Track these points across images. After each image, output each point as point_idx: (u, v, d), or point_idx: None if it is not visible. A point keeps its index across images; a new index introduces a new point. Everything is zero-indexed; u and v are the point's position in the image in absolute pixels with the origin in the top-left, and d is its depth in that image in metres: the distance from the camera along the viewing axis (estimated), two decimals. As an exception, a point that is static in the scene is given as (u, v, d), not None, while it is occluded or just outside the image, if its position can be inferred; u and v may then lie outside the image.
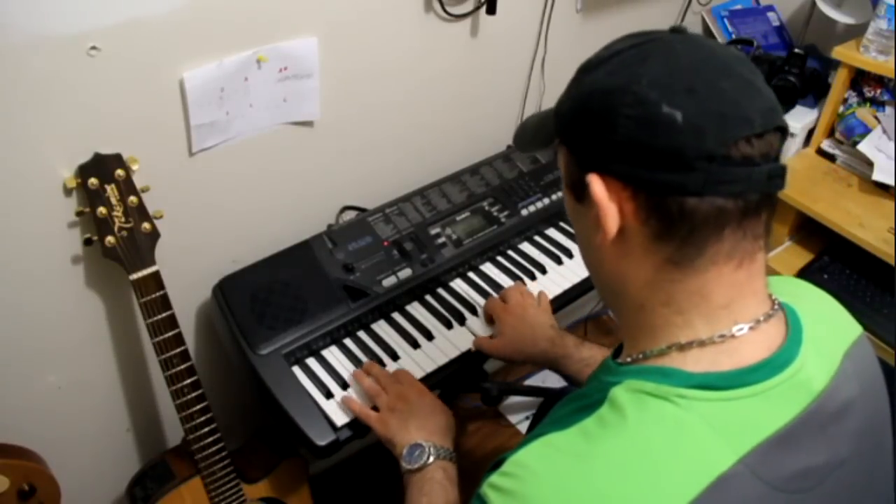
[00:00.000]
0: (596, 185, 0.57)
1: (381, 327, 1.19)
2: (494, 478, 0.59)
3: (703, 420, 0.55)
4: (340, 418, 1.03)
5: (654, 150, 0.54)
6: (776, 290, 0.63)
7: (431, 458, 0.90)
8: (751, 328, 0.59)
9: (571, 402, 0.66)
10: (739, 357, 0.58)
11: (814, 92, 1.70)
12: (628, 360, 0.63)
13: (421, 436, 0.93)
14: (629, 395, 0.58)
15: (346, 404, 1.04)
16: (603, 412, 0.58)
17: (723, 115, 0.53)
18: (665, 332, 0.61)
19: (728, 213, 0.55)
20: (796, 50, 1.61)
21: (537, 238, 1.37)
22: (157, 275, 1.00)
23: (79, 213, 0.97)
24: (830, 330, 0.66)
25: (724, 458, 0.54)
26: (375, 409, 1.02)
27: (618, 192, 0.57)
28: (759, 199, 0.56)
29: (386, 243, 1.24)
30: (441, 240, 1.28)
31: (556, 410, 0.68)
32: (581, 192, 0.61)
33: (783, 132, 0.57)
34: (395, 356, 1.13)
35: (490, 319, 1.19)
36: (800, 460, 0.57)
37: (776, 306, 0.62)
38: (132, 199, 0.97)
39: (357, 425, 1.03)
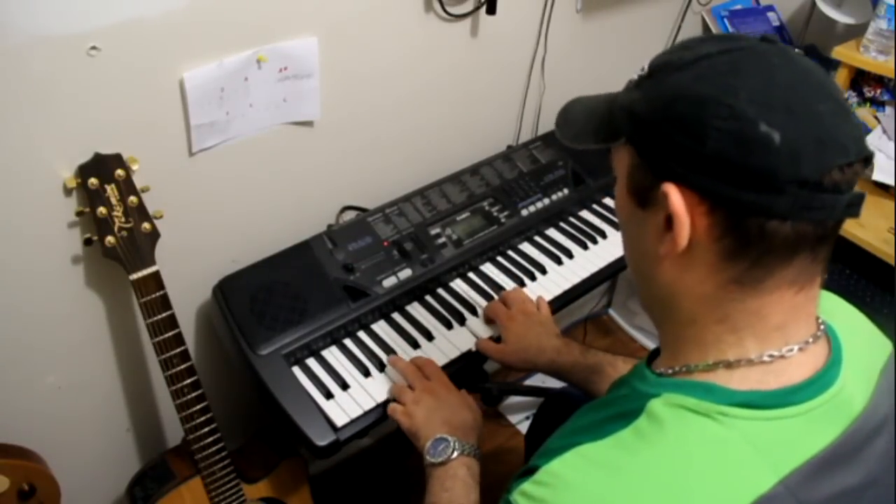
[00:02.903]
0: (674, 196, 0.55)
1: (381, 327, 1.19)
2: (527, 486, 0.58)
3: (746, 439, 0.54)
4: (341, 418, 1.03)
5: (745, 169, 0.52)
6: None
7: (455, 454, 0.89)
8: (800, 349, 0.58)
9: (603, 407, 0.65)
10: (787, 377, 0.57)
11: (814, 92, 1.69)
12: (669, 371, 0.62)
13: (446, 430, 0.92)
14: (669, 409, 0.57)
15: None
16: (640, 424, 0.57)
17: (820, 140, 0.52)
18: (714, 349, 0.59)
19: (806, 238, 0.54)
20: (796, 50, 1.61)
21: (537, 238, 1.37)
22: (157, 275, 1.00)
23: (79, 213, 0.97)
24: (866, 348, 0.66)
25: (765, 480, 0.53)
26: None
27: (693, 205, 0.55)
28: (833, 225, 0.55)
29: (386, 243, 1.24)
30: (441, 240, 1.28)
31: (584, 415, 0.67)
32: (646, 198, 0.58)
33: (869, 161, 0.55)
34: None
35: (489, 321, 1.18)
36: (838, 482, 0.56)
37: (822, 327, 0.61)
38: (132, 199, 0.97)
39: (358, 425, 1.03)
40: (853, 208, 0.54)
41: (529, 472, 0.60)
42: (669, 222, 0.56)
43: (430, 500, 0.87)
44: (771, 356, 0.57)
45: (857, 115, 0.54)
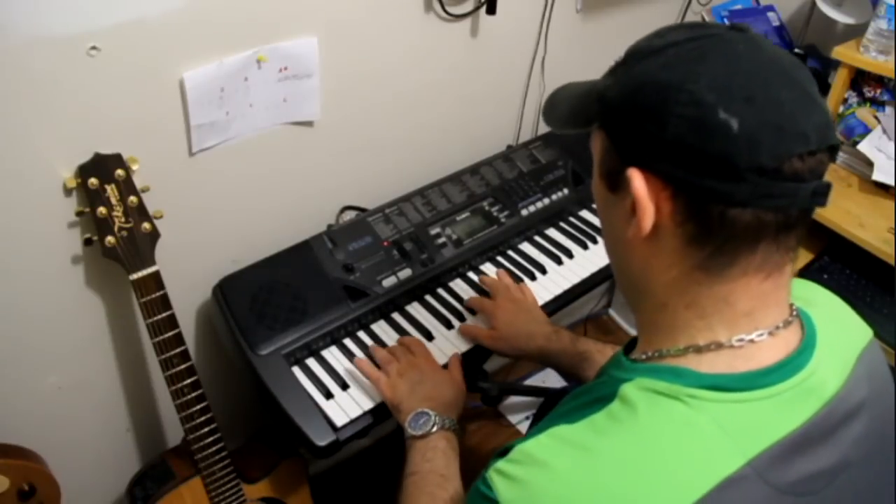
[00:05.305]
0: (637, 180, 0.56)
1: (381, 327, 1.19)
2: (501, 464, 0.59)
3: (714, 421, 0.55)
4: (340, 418, 1.03)
5: (704, 155, 0.52)
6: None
7: (435, 427, 0.92)
8: (770, 334, 0.58)
9: (580, 395, 0.66)
10: (756, 361, 0.58)
11: (814, 92, 1.69)
12: (643, 357, 0.63)
13: (427, 405, 0.95)
14: (640, 392, 0.58)
15: (357, 366, 1.07)
16: (613, 408, 0.58)
17: (780, 128, 0.52)
18: (684, 334, 0.60)
19: (767, 226, 0.54)
20: (796, 50, 1.62)
21: (537, 238, 1.37)
22: (157, 275, 1.00)
23: (79, 213, 0.97)
24: (843, 334, 0.66)
25: (732, 461, 0.54)
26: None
27: (657, 190, 0.55)
28: (798, 214, 0.55)
29: (386, 243, 1.24)
30: (441, 240, 1.28)
31: (564, 404, 0.68)
32: (616, 183, 0.59)
33: (834, 150, 0.55)
34: (395, 356, 1.13)
35: (473, 313, 1.19)
36: (808, 464, 0.57)
37: (794, 313, 0.62)
38: (132, 199, 0.97)
39: (358, 425, 1.03)
40: (819, 198, 0.54)
41: (506, 451, 0.61)
42: (635, 207, 0.57)
43: (410, 471, 0.89)
44: (741, 340, 0.58)
45: (825, 104, 0.54)
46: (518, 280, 1.27)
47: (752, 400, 0.56)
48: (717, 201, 0.53)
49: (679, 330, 0.60)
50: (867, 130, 1.61)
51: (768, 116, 0.52)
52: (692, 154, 0.53)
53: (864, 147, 1.57)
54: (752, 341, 0.58)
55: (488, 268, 1.31)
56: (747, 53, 0.55)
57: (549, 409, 1.27)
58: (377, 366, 1.07)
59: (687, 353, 0.59)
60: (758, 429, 0.56)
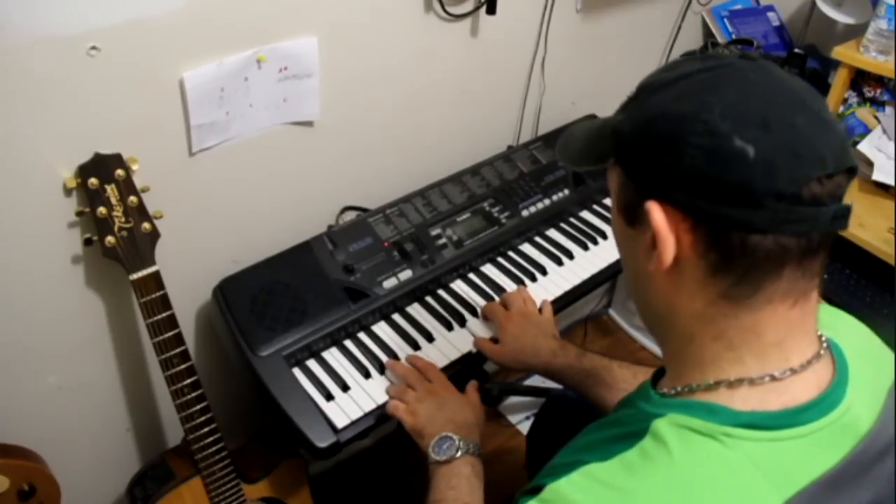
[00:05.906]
0: (656, 213, 0.55)
1: (381, 329, 1.18)
2: (534, 503, 0.59)
3: (750, 461, 0.54)
4: (341, 420, 1.03)
5: (722, 184, 0.52)
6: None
7: (459, 452, 0.91)
8: (802, 368, 0.58)
9: (607, 427, 0.65)
10: (789, 396, 0.57)
11: (814, 92, 1.69)
12: (672, 392, 0.62)
13: (449, 428, 0.94)
14: (674, 430, 0.57)
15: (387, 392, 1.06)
16: (646, 445, 0.57)
17: (796, 153, 0.52)
18: (714, 367, 0.59)
19: (790, 251, 0.54)
20: (796, 50, 1.62)
21: (538, 239, 1.37)
22: (157, 275, 1.00)
23: (79, 213, 0.97)
24: (873, 366, 0.65)
25: (768, 502, 0.53)
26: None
27: (677, 221, 0.55)
28: (821, 239, 0.55)
29: (386, 244, 1.24)
30: (441, 241, 1.28)
31: (590, 433, 0.67)
32: (634, 217, 0.59)
33: (852, 172, 0.55)
34: (395, 358, 1.13)
35: (487, 319, 1.18)
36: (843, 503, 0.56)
37: (825, 345, 0.61)
38: (132, 199, 0.96)
39: (358, 427, 1.03)
40: (839, 221, 0.54)
41: (536, 490, 0.60)
42: (655, 240, 0.56)
43: (434, 498, 0.88)
44: (772, 377, 0.57)
45: (841, 128, 0.54)
46: (519, 281, 1.27)
47: (789, 438, 0.55)
48: (737, 229, 0.53)
49: (708, 363, 0.60)
50: (867, 130, 1.61)
51: (784, 142, 0.52)
52: (710, 183, 0.53)
53: (864, 147, 1.57)
54: (784, 377, 0.57)
55: (489, 269, 1.31)
56: (759, 81, 0.55)
57: (551, 411, 1.27)
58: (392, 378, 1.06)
59: (718, 388, 0.58)
60: (794, 468, 0.55)
